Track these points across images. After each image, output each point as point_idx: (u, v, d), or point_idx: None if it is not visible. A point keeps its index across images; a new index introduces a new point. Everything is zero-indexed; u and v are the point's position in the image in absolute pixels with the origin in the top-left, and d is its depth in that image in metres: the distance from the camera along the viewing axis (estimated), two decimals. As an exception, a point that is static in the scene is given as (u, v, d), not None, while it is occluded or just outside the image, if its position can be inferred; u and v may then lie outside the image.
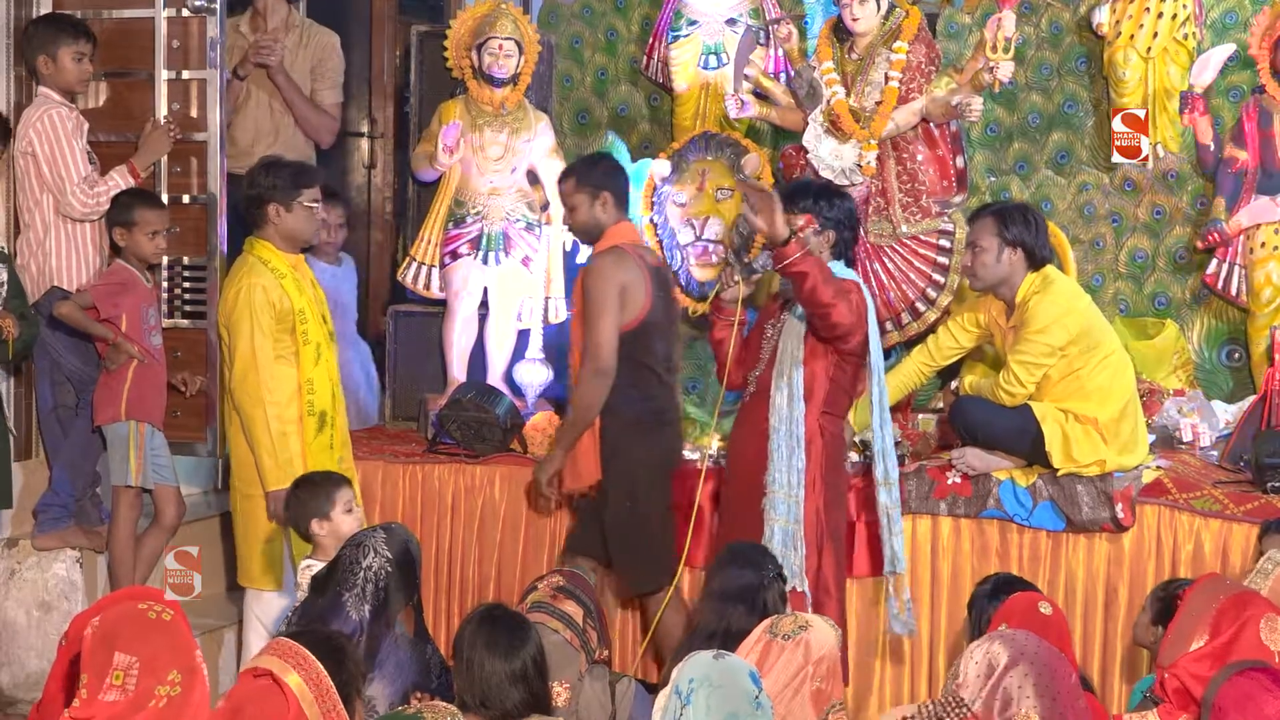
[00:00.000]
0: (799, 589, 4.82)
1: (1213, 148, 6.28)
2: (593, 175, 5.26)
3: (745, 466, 4.98)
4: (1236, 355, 6.25)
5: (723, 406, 5.51)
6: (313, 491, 4.66)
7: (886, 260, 5.96)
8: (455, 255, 6.22)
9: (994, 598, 4.09)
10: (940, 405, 5.95)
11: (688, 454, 5.54)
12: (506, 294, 6.23)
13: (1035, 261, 5.22)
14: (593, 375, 5.07)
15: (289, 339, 5.16)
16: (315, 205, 5.27)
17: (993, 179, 6.55)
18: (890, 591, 5.03)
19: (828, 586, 4.94)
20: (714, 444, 5.56)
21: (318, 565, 4.49)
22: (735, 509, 5.01)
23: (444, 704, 3.42)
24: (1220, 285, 6.21)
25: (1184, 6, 6.34)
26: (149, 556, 5.55)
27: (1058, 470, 5.21)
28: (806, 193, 5.09)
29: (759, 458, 4.91)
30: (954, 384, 5.65)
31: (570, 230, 5.42)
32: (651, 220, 6.44)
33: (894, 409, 5.79)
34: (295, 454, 5.13)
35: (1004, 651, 3.08)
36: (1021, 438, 5.23)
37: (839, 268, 5.02)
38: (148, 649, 3.02)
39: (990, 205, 5.46)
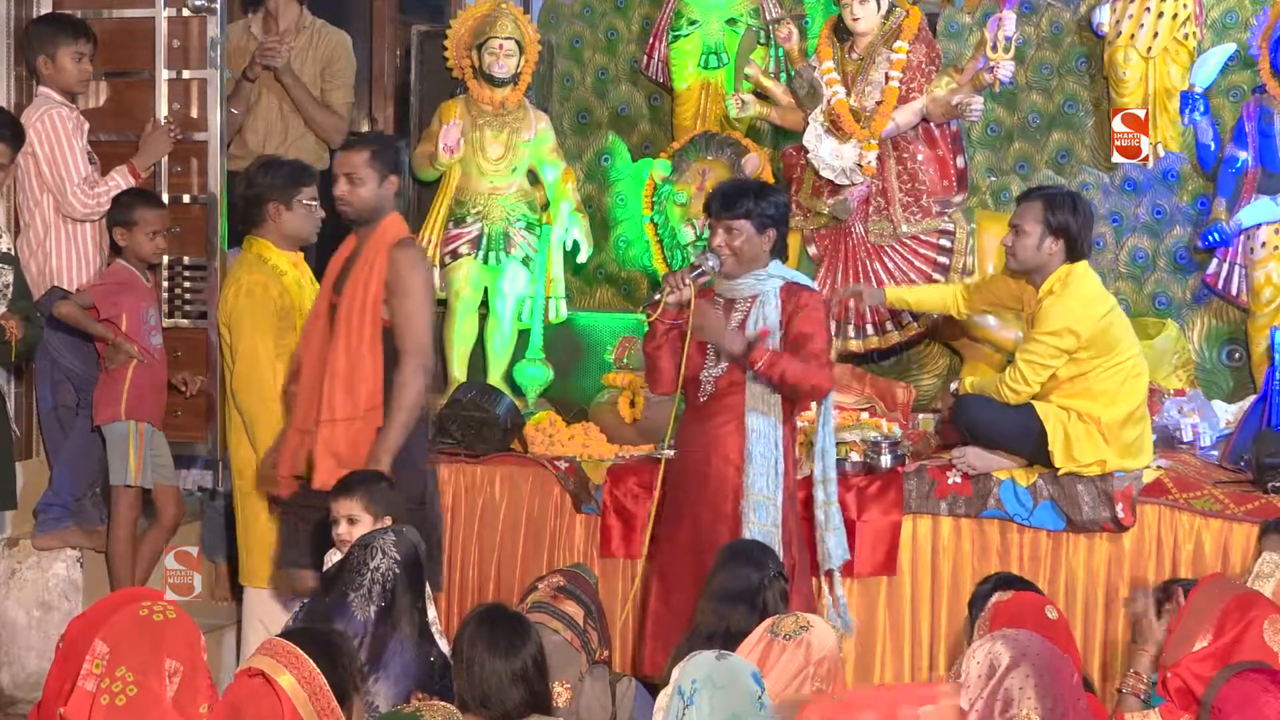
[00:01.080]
0: None
1: (1213, 148, 6.29)
2: (388, 156, 4.97)
3: (718, 465, 4.86)
4: (1236, 355, 6.25)
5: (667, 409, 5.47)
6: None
7: (886, 260, 5.97)
8: (455, 255, 6.22)
9: (994, 597, 4.09)
10: (940, 406, 5.95)
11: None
12: (506, 294, 6.24)
13: (1075, 254, 5.14)
14: (419, 371, 4.83)
15: (290, 336, 5.16)
16: (314, 204, 5.28)
17: (993, 179, 6.55)
18: (824, 588, 5.03)
19: (798, 583, 4.91)
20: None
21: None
22: (702, 508, 4.89)
23: (441, 703, 3.42)
24: (1220, 285, 6.21)
25: (1184, 6, 6.35)
26: (149, 556, 5.56)
27: (1059, 470, 5.21)
28: (745, 194, 4.89)
29: (730, 457, 4.83)
30: (954, 385, 5.65)
31: (341, 203, 4.94)
32: (651, 220, 6.45)
33: (893, 407, 5.81)
34: None
35: (1006, 652, 3.08)
36: (1025, 436, 5.23)
37: (779, 267, 4.91)
38: (121, 642, 3.02)
39: (1041, 189, 5.33)
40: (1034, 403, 5.24)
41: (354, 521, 4.61)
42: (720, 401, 4.86)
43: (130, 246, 5.48)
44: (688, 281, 4.84)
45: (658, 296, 4.86)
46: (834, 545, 5.00)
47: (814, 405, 4.97)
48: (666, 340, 4.91)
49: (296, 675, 3.05)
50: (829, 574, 5.03)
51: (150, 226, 5.48)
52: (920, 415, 5.89)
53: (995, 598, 3.90)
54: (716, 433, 4.86)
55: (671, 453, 5.41)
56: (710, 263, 4.86)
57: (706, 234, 4.98)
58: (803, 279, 4.96)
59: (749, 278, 4.86)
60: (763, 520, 4.78)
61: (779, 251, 4.94)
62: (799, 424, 5.07)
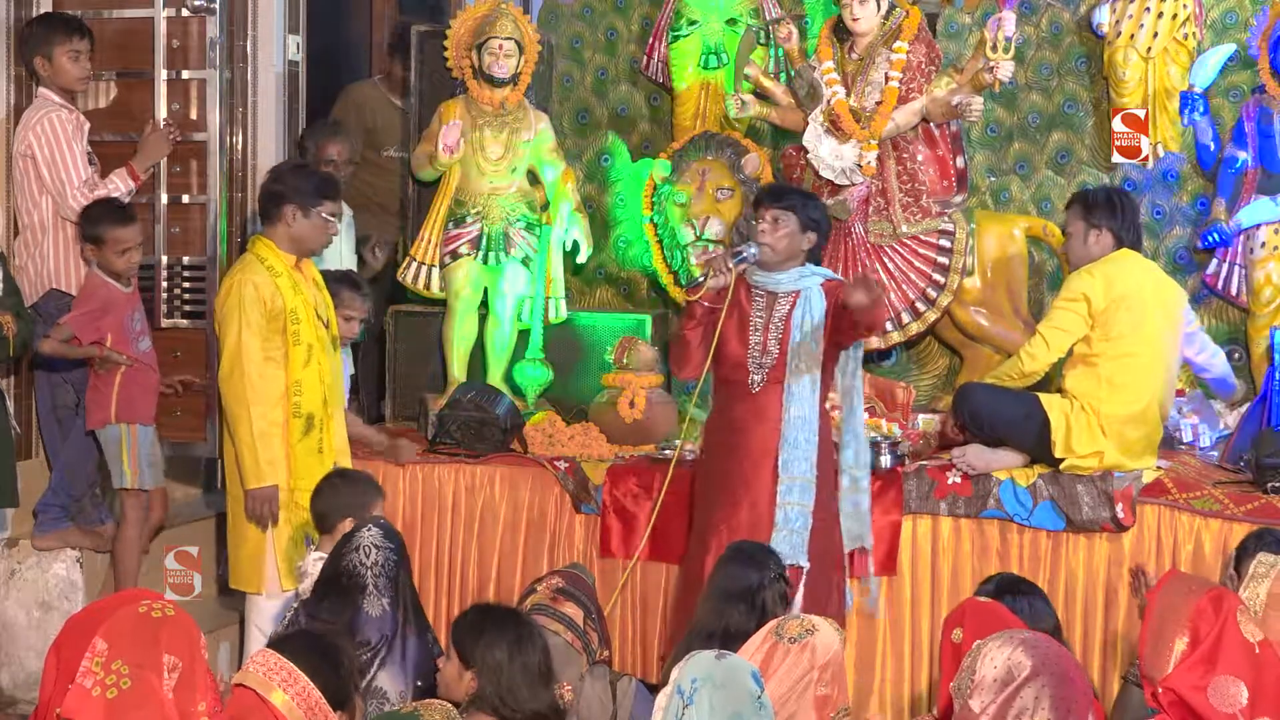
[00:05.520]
0: (801, 564, 4.90)
1: (1213, 148, 6.29)
2: None
3: (774, 457, 4.97)
4: (1236, 355, 6.24)
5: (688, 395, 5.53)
6: (354, 488, 4.65)
7: (886, 260, 5.96)
8: (455, 255, 6.21)
9: (996, 598, 4.09)
10: (941, 406, 5.96)
11: (688, 454, 5.54)
12: (506, 294, 6.23)
13: (1122, 244, 5.37)
14: None
15: (279, 338, 5.08)
16: (331, 219, 5.23)
17: (993, 179, 6.55)
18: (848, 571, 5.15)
19: (837, 563, 5.07)
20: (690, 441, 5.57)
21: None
22: (759, 493, 4.99)
23: (439, 702, 3.43)
24: (1220, 285, 6.21)
25: (1184, 6, 6.35)
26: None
27: (1059, 460, 5.23)
28: (795, 193, 5.16)
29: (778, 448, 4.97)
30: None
31: None
32: (651, 220, 6.45)
33: (893, 407, 5.81)
34: (278, 455, 5.04)
35: (1026, 660, 3.05)
36: (1027, 426, 5.26)
37: (817, 268, 5.09)
38: (120, 638, 3.03)
39: (1079, 193, 5.63)
40: (1038, 394, 5.31)
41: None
42: (775, 390, 4.98)
43: (100, 263, 5.39)
44: (730, 266, 4.96)
45: (700, 278, 5.01)
46: (855, 532, 5.13)
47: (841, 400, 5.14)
48: (703, 323, 5.04)
49: (291, 693, 3.04)
50: (851, 556, 5.15)
51: (120, 245, 5.37)
52: (920, 415, 5.88)
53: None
54: (774, 422, 4.97)
55: (672, 452, 5.45)
56: (751, 250, 5.02)
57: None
58: (840, 279, 5.14)
59: (792, 273, 5.02)
60: (797, 501, 4.93)
61: (814, 257, 5.12)
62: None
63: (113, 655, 3.02)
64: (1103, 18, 6.48)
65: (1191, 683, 3.58)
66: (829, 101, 5.90)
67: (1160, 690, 3.62)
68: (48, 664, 3.21)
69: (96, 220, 5.39)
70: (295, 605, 4.39)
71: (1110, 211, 5.38)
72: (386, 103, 7.12)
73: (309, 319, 5.11)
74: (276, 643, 3.23)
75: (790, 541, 4.89)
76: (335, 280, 5.56)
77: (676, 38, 6.65)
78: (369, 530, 4.18)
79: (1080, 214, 5.42)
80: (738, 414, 5.06)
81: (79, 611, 3.28)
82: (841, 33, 5.98)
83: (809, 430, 4.96)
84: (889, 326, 5.96)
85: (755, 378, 5.01)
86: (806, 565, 4.91)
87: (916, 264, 5.96)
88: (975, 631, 3.59)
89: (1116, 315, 5.23)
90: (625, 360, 5.96)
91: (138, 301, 5.55)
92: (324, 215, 5.17)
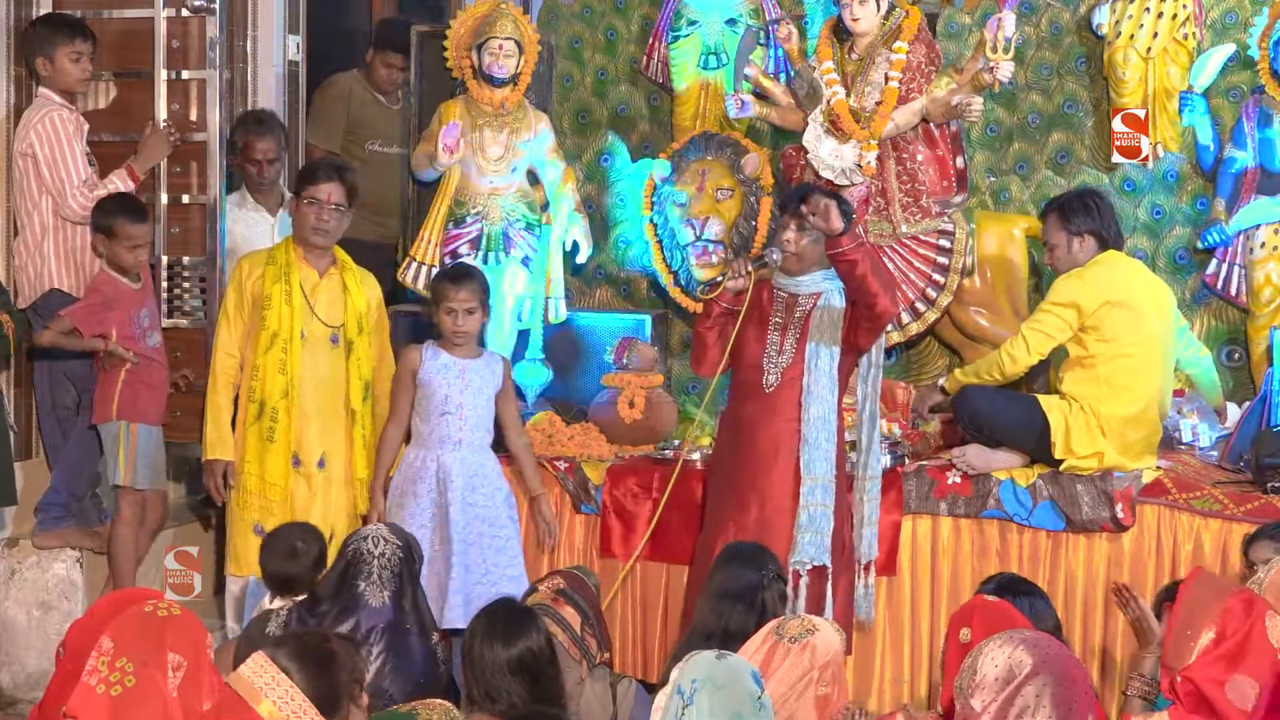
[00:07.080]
0: (826, 564, 4.95)
1: (1213, 148, 6.29)
2: None
3: (786, 451, 5.02)
4: (1236, 355, 6.25)
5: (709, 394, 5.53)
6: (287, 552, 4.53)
7: (886, 260, 5.95)
8: (455, 255, 6.21)
9: (997, 598, 4.09)
10: (919, 405, 5.94)
11: (689, 454, 5.54)
12: (506, 295, 6.23)
13: (1106, 244, 5.38)
14: None
15: (256, 325, 5.21)
16: (312, 204, 5.24)
17: (993, 179, 6.55)
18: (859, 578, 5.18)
19: (844, 565, 5.09)
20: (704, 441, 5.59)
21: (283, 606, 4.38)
22: (770, 492, 5.02)
23: (440, 701, 3.43)
24: (1220, 285, 6.21)
25: (1184, 6, 6.35)
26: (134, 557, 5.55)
27: (1059, 461, 5.23)
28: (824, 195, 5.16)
29: (796, 443, 5.00)
30: (941, 380, 5.70)
31: None
32: (651, 220, 6.45)
33: (893, 407, 5.81)
34: (226, 434, 5.23)
35: (1027, 659, 3.05)
36: (1027, 428, 5.27)
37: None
38: (126, 637, 3.03)
39: (1054, 200, 5.57)
40: (1038, 396, 5.33)
41: None
42: (788, 390, 5.02)
43: (109, 256, 5.39)
44: (749, 269, 5.06)
45: (719, 278, 5.11)
46: (872, 539, 5.15)
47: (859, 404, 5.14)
48: (719, 323, 5.12)
49: (275, 699, 3.03)
50: (865, 567, 5.17)
51: (131, 240, 5.38)
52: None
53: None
54: (786, 422, 5.01)
55: (672, 452, 5.45)
56: (774, 255, 5.09)
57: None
58: None
59: (815, 276, 5.09)
60: (820, 501, 4.97)
61: None
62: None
63: (118, 653, 3.02)
64: (1103, 18, 6.48)
65: (1212, 676, 3.59)
66: (829, 101, 5.90)
67: (1179, 680, 3.63)
68: (58, 665, 3.22)
69: (110, 212, 5.41)
70: (281, 612, 4.35)
71: (1088, 215, 5.37)
72: (368, 96, 7.13)
73: (282, 308, 5.20)
74: (274, 646, 3.22)
75: (816, 543, 4.95)
76: (439, 277, 5.51)
77: (676, 38, 6.66)
78: (379, 527, 4.23)
79: (1059, 224, 5.40)
80: (749, 412, 5.10)
81: (87, 612, 3.28)
82: (841, 33, 5.98)
83: (829, 430, 5.01)
84: (889, 326, 5.97)
85: (770, 377, 5.06)
86: (830, 565, 4.96)
87: (916, 264, 5.96)
88: (984, 630, 3.59)
89: (1110, 318, 5.23)
90: (625, 360, 5.96)
91: (148, 298, 5.56)
92: (306, 200, 5.23)
